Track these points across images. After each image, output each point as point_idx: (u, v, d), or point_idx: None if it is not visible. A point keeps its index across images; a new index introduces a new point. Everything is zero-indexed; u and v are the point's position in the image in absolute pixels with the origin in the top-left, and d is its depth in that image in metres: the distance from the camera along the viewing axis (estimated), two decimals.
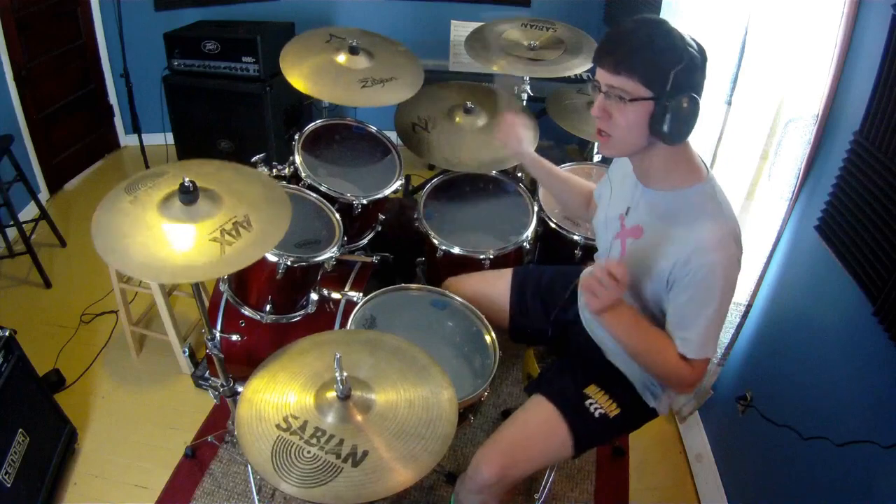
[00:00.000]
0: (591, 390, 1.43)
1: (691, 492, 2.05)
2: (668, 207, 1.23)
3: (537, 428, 1.41)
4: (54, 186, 3.54)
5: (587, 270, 1.51)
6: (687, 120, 1.12)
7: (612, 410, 1.41)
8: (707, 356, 1.24)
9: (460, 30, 3.28)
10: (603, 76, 1.14)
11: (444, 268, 2.02)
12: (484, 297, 1.74)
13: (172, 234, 1.28)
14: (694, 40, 1.12)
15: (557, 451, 1.41)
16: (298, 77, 2.02)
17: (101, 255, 1.24)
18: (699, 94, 1.12)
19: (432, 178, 2.28)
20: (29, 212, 3.15)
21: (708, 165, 1.25)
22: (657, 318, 1.31)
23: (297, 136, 2.10)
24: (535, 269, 1.79)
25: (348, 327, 1.65)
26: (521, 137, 1.61)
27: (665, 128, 1.11)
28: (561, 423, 1.39)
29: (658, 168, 1.23)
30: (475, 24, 2.46)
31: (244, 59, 3.21)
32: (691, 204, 1.20)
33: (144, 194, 1.34)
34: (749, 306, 1.81)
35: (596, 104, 1.17)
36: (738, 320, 1.84)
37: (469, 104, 2.24)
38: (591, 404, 1.41)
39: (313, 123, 2.18)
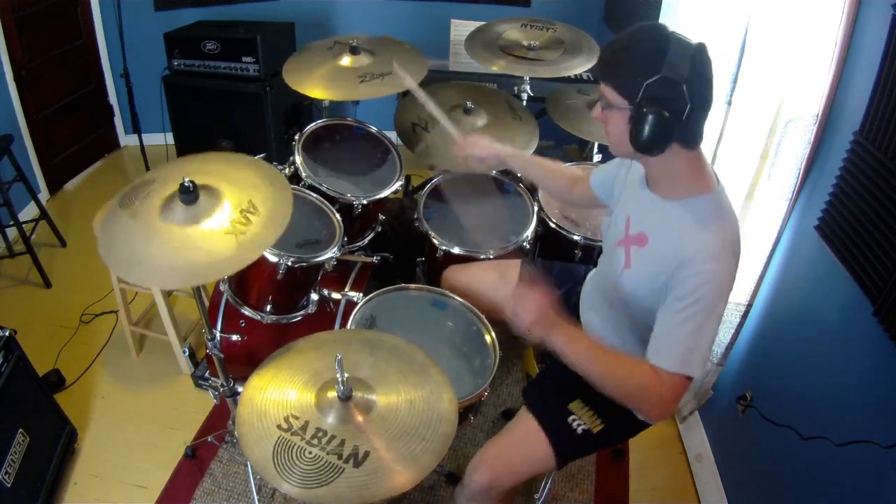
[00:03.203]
0: (575, 406, 1.42)
1: (691, 492, 2.05)
2: (672, 216, 1.22)
3: (521, 442, 1.42)
4: (54, 186, 3.54)
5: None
6: (656, 133, 1.09)
7: (596, 426, 1.40)
8: (684, 373, 1.15)
9: (460, 29, 3.27)
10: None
11: (444, 268, 2.02)
12: (489, 283, 1.74)
13: (186, 236, 1.28)
14: (692, 48, 1.07)
15: (541, 465, 1.42)
16: (301, 83, 2.03)
17: (123, 275, 1.25)
18: (677, 109, 1.07)
19: (432, 178, 2.28)
20: (29, 212, 3.15)
21: (718, 177, 1.22)
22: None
23: (297, 137, 2.10)
24: (544, 263, 1.79)
25: (348, 327, 1.66)
26: (482, 155, 1.65)
27: (636, 139, 1.11)
28: (542, 438, 1.39)
29: (665, 176, 1.22)
30: (475, 24, 2.46)
31: (244, 59, 3.21)
32: (695, 214, 1.18)
33: (142, 205, 1.31)
34: (749, 306, 1.81)
35: (596, 107, 1.21)
36: (738, 320, 1.84)
37: (469, 104, 2.24)
38: (573, 420, 1.40)
39: (314, 123, 2.18)
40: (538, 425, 1.41)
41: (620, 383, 1.20)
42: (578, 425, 1.40)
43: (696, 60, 1.08)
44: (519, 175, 2.29)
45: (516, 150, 1.71)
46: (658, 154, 1.14)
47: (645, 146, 1.12)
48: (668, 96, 1.07)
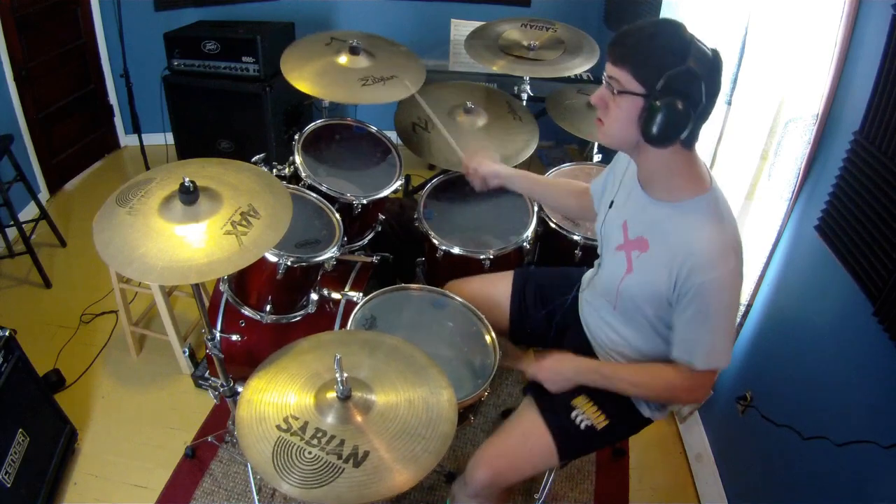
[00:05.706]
0: (580, 401, 1.42)
1: (691, 492, 2.05)
2: (669, 219, 1.22)
3: (523, 437, 1.42)
4: (54, 186, 3.54)
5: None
6: (672, 124, 1.10)
7: (600, 422, 1.39)
8: (713, 367, 1.23)
9: (460, 29, 3.28)
10: (607, 65, 1.17)
11: (444, 268, 2.02)
12: (485, 298, 1.74)
13: (185, 235, 1.28)
14: (709, 51, 1.10)
15: (542, 461, 1.42)
16: (300, 79, 2.02)
17: (119, 269, 1.24)
18: (693, 103, 1.09)
19: (432, 178, 2.28)
20: (29, 212, 3.15)
21: (712, 175, 1.24)
22: (663, 334, 1.31)
23: (297, 136, 2.10)
24: (536, 270, 1.79)
25: (348, 327, 1.65)
26: (486, 175, 1.69)
27: (650, 128, 1.11)
28: (545, 433, 1.39)
29: (660, 174, 1.22)
30: (475, 24, 2.46)
31: (244, 59, 3.21)
32: (692, 216, 1.19)
33: (139, 203, 1.32)
34: (749, 306, 1.81)
35: (596, 92, 1.20)
36: (738, 320, 1.84)
37: (469, 104, 2.24)
38: (577, 416, 1.40)
39: (313, 123, 2.18)
40: (541, 421, 1.40)
41: (654, 391, 1.34)
42: (582, 421, 1.39)
43: (713, 62, 1.10)
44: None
45: (520, 171, 1.72)
46: (661, 147, 1.14)
47: (655, 136, 1.12)
48: (687, 89, 1.08)
